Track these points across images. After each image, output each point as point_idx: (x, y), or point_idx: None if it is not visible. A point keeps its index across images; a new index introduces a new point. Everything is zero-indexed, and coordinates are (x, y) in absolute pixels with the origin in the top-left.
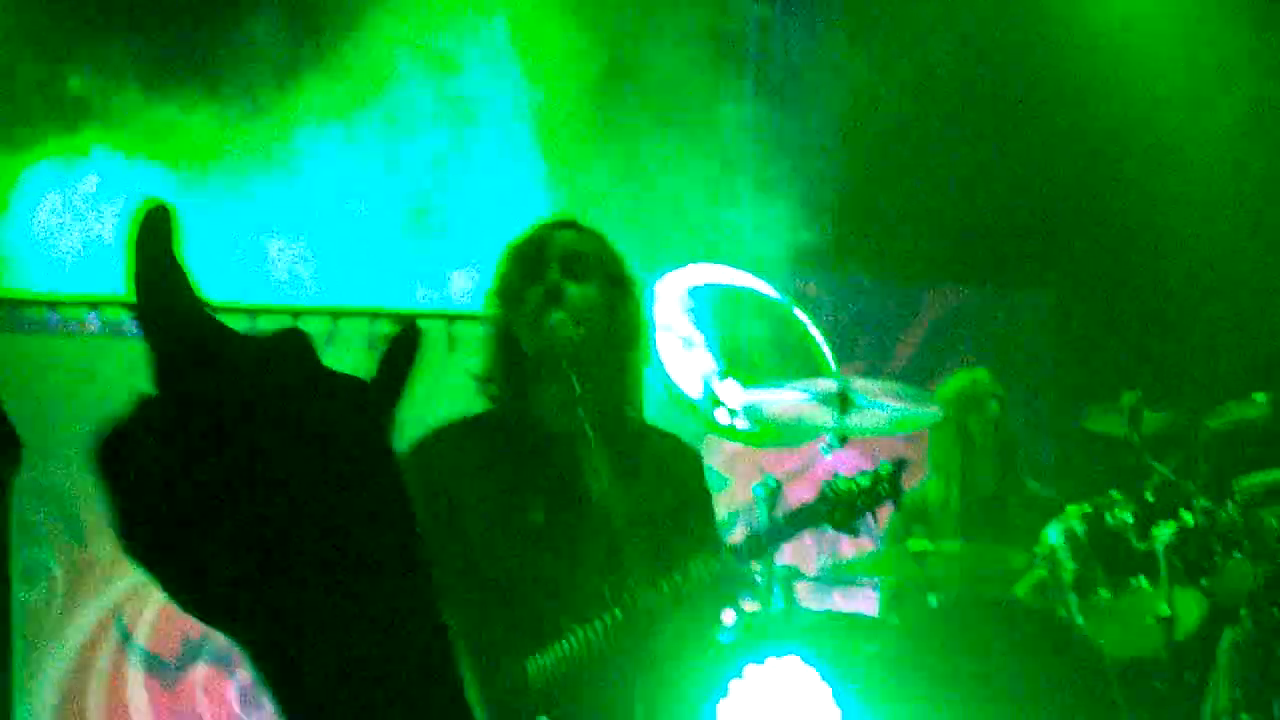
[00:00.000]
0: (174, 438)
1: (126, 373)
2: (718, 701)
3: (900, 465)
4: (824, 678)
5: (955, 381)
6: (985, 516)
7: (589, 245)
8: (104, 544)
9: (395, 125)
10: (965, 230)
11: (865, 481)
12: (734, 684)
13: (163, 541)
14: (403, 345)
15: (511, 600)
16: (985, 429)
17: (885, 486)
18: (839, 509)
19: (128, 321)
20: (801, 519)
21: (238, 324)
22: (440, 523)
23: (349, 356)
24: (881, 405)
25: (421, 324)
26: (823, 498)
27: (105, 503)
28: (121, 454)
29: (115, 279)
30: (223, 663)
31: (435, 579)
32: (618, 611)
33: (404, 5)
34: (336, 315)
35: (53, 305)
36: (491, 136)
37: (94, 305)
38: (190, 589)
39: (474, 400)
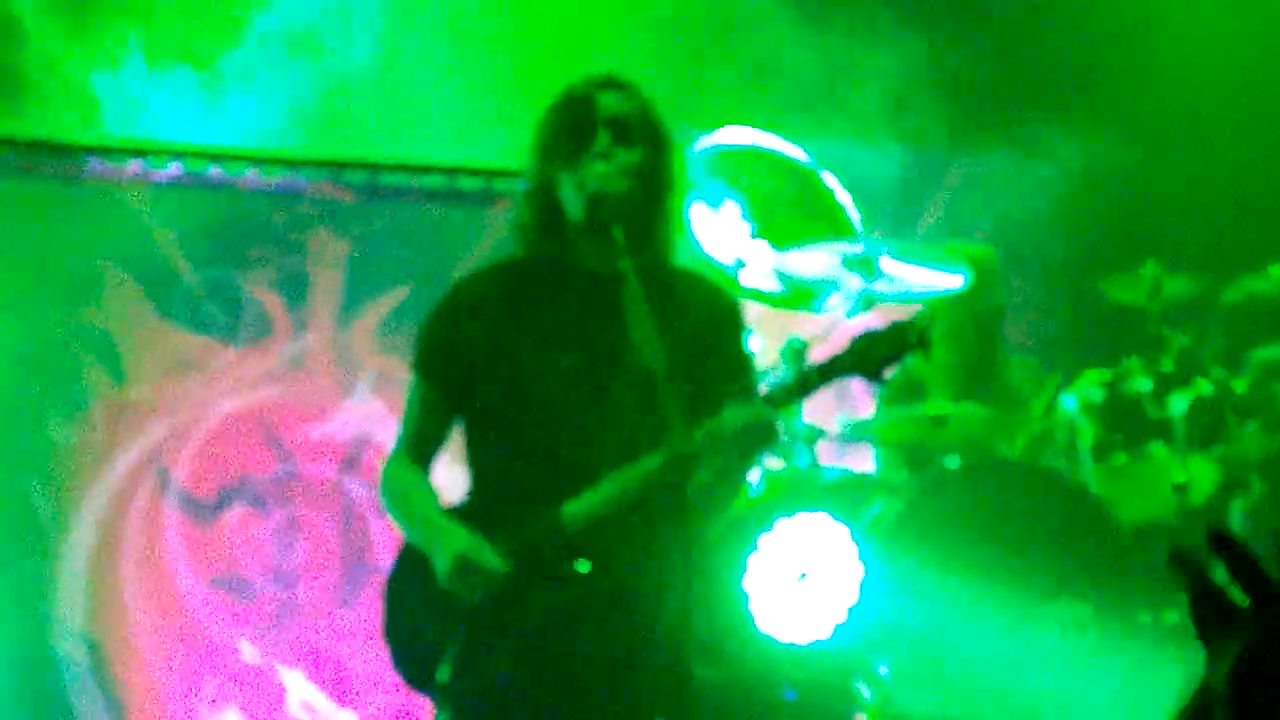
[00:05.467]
0: None
1: (174, 222)
2: (748, 555)
3: (932, 318)
4: (852, 535)
5: (967, 252)
6: (975, 382)
7: (634, 107)
8: (143, 386)
9: None
10: (988, 96)
11: (895, 331)
12: (763, 538)
13: None
14: None
15: (545, 445)
16: (990, 313)
17: (916, 336)
18: (870, 358)
19: (186, 173)
20: (832, 368)
21: (277, 174)
22: (470, 364)
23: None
24: (907, 270)
25: (462, 180)
26: (854, 348)
27: None
28: None
29: (182, 129)
30: (259, 504)
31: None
32: (653, 457)
33: None
34: (377, 169)
35: (103, 153)
36: None
37: (141, 153)
38: None
39: (512, 252)
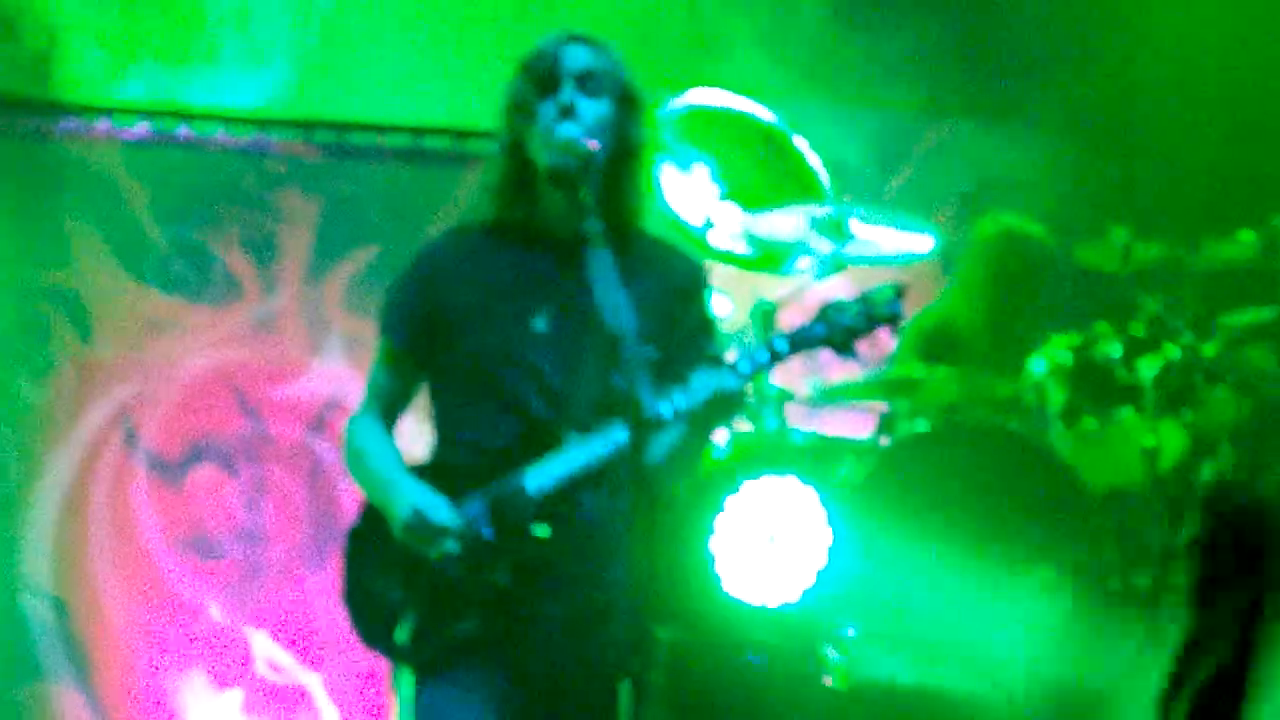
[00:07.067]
0: None
1: (143, 181)
2: (714, 517)
3: (902, 289)
4: (821, 499)
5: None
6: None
7: (601, 62)
8: (111, 346)
9: None
10: (960, 62)
11: (865, 303)
12: (730, 500)
13: None
14: None
15: (512, 407)
16: (1017, 279)
17: (886, 309)
18: (839, 330)
19: (155, 132)
20: (801, 339)
21: (246, 134)
22: (438, 325)
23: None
24: (876, 234)
25: (430, 140)
26: (822, 318)
27: None
28: None
29: (152, 89)
30: (226, 465)
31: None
32: (618, 422)
33: None
34: (344, 129)
35: (72, 112)
36: None
37: (110, 112)
38: None
39: (483, 213)
